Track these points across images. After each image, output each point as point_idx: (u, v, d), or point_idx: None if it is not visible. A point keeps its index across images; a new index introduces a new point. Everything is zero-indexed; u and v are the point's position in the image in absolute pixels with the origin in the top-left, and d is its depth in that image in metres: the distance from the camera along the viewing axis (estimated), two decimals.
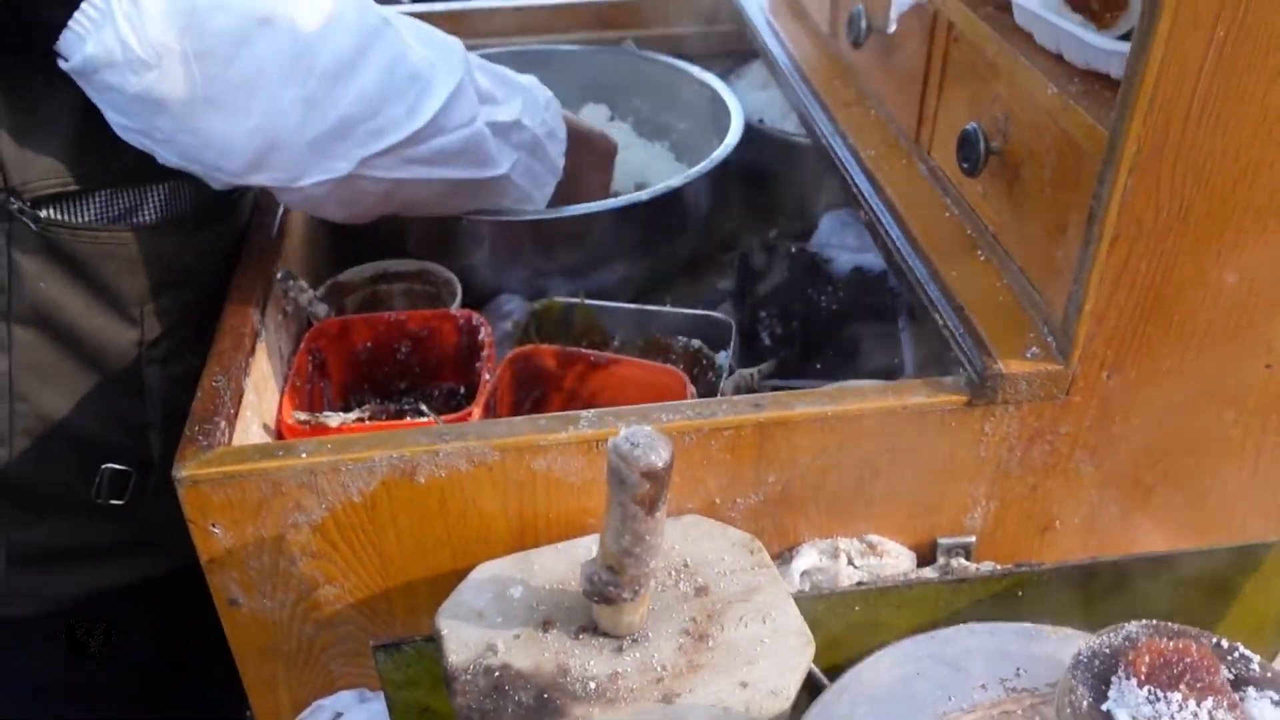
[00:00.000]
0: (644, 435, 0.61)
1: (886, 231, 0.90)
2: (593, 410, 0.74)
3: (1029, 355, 0.75)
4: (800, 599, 0.71)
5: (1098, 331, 0.73)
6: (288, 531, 0.73)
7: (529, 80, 1.05)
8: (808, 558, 0.80)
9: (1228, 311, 0.73)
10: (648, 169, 1.34)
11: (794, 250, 1.20)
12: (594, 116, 1.41)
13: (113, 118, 0.79)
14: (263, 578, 0.75)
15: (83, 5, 0.73)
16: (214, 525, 0.72)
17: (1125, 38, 0.73)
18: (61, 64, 0.75)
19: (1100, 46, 0.72)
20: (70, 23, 0.73)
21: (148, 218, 0.87)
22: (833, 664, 0.65)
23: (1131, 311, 0.72)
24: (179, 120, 0.77)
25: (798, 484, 0.78)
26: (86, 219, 0.84)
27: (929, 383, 0.77)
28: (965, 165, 0.84)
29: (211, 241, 0.94)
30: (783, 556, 0.82)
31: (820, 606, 0.71)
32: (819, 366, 1.07)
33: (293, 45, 0.78)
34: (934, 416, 0.76)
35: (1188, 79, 0.63)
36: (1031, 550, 0.85)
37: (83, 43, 0.74)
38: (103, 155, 0.82)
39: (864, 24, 1.03)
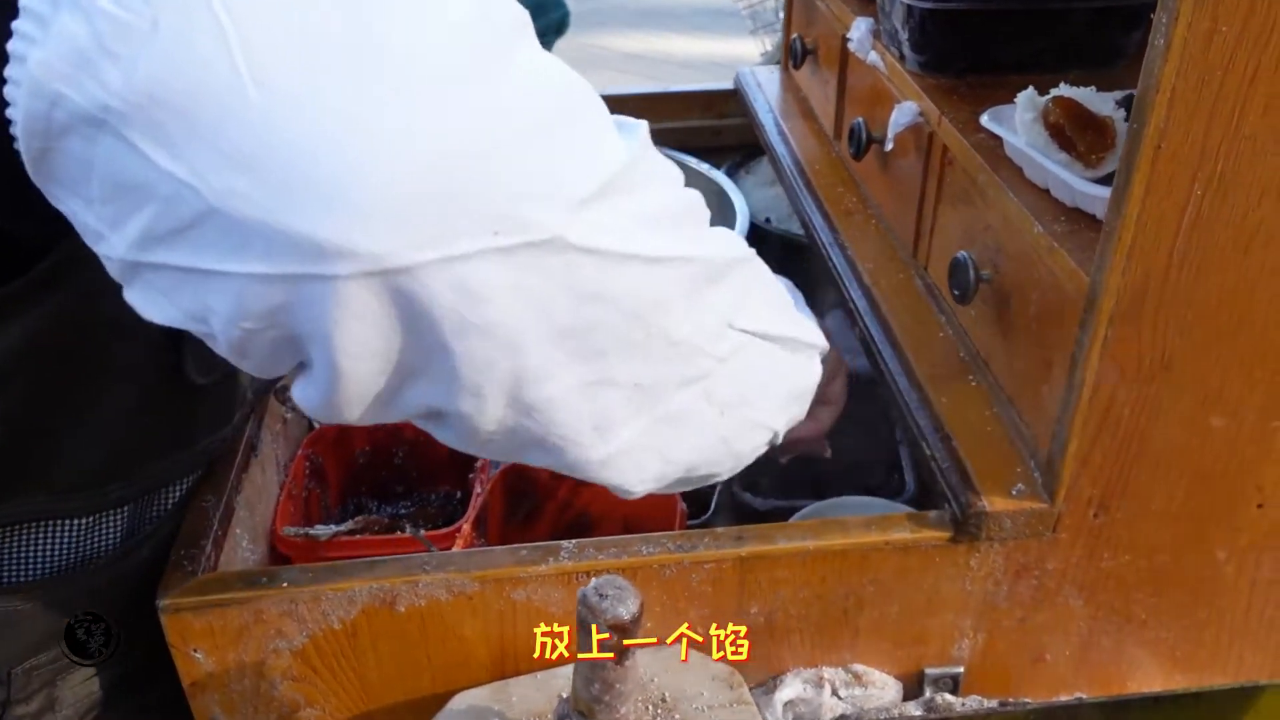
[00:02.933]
0: (613, 586, 0.61)
1: (879, 351, 0.90)
2: (573, 541, 0.75)
3: (1015, 492, 0.75)
4: None
5: (1083, 472, 0.72)
6: (269, 656, 0.74)
7: None
8: (792, 688, 0.80)
9: (1216, 455, 0.73)
10: None
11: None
12: None
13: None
14: (244, 700, 0.75)
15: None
16: (195, 650, 0.72)
17: (1111, 178, 0.73)
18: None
19: (1084, 190, 0.72)
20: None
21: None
22: None
23: (1117, 454, 0.72)
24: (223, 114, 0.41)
25: (781, 615, 0.78)
26: None
27: (913, 517, 0.76)
28: (956, 292, 0.84)
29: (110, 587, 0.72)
30: (766, 685, 0.81)
31: None
32: (817, 479, 1.06)
33: None
34: (918, 552, 0.75)
35: (1165, 236, 0.63)
36: (1023, 680, 0.84)
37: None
38: None
39: (864, 136, 1.04)
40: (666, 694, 0.74)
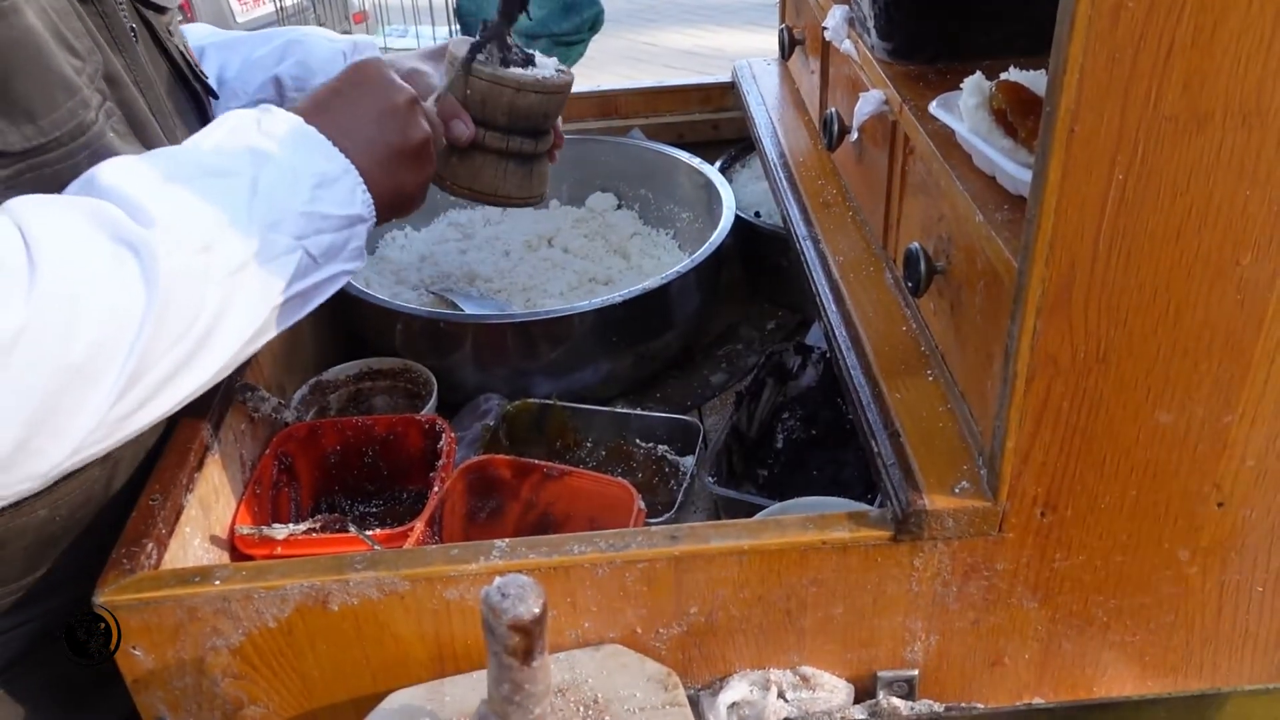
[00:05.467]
0: (515, 586, 0.60)
1: (838, 345, 0.88)
2: (505, 540, 0.74)
3: (958, 490, 0.72)
4: None
5: (1024, 469, 0.70)
6: (207, 654, 0.74)
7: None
8: (737, 690, 0.78)
9: (1166, 450, 0.69)
10: (648, 257, 1.34)
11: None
12: (602, 205, 1.42)
13: None
14: (187, 697, 0.76)
15: None
16: (134, 647, 0.73)
17: None
18: None
19: (1022, 177, 0.69)
20: None
21: None
22: None
23: (1059, 450, 0.69)
24: None
25: (722, 615, 0.76)
26: None
27: (852, 516, 0.74)
28: (910, 284, 0.82)
29: None
30: (713, 686, 0.79)
31: None
32: (815, 473, 1.04)
33: None
34: (858, 551, 0.73)
35: (1089, 222, 0.60)
36: (982, 685, 0.81)
37: None
38: None
39: (836, 127, 1.02)
40: (599, 695, 0.73)
